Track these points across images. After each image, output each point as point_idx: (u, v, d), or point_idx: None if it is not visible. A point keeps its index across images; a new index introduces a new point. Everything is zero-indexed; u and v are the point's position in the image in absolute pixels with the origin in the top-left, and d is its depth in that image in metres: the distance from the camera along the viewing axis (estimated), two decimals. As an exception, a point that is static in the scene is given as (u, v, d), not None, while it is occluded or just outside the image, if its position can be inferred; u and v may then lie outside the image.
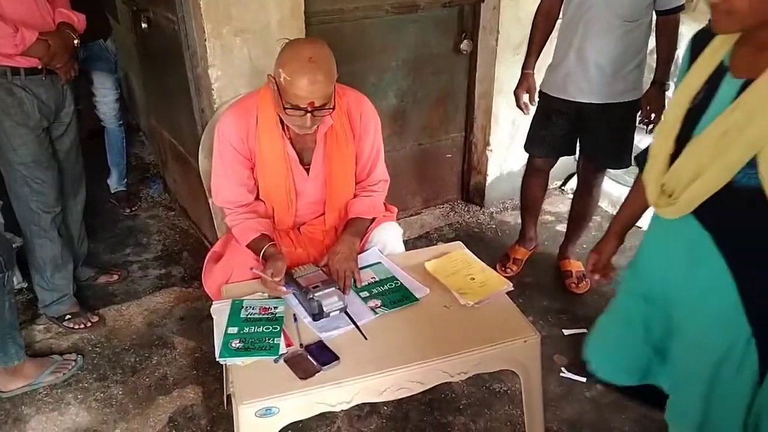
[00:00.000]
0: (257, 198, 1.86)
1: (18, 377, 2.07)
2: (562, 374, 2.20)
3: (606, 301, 2.55)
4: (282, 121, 1.73)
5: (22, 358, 2.05)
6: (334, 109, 1.69)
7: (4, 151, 2.11)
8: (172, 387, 2.15)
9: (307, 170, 1.84)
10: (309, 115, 1.61)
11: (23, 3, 1.98)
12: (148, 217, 3.28)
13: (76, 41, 2.13)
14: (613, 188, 3.24)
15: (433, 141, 3.08)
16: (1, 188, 2.26)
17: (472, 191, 3.29)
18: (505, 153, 3.17)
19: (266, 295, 1.70)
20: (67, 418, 2.03)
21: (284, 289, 1.66)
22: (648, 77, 2.33)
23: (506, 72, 2.84)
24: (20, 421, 2.01)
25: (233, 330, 1.55)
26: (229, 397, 1.86)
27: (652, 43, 2.30)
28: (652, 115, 2.29)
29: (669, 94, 2.27)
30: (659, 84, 2.28)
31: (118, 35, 3.18)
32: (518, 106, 2.47)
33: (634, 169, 2.98)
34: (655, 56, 2.30)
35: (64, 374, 2.15)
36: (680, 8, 2.20)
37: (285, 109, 1.62)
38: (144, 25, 2.72)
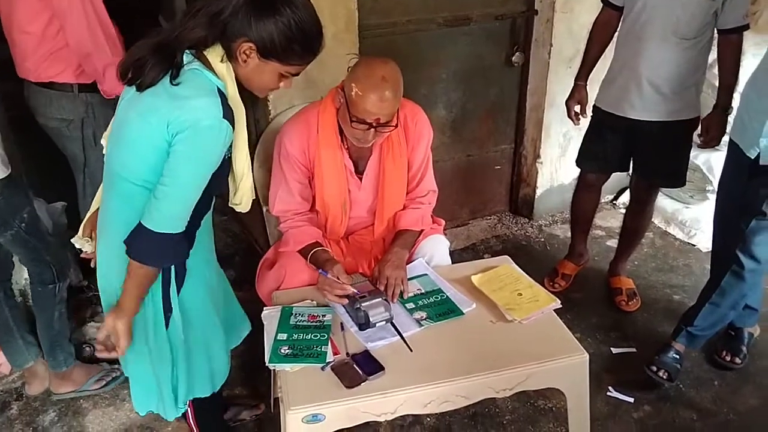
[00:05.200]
0: (311, 208, 1.91)
1: (67, 382, 2.15)
2: (609, 393, 2.15)
3: (656, 320, 2.54)
4: (341, 132, 1.78)
5: (70, 365, 2.13)
6: (396, 127, 1.74)
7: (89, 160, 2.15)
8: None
9: (360, 179, 1.88)
10: (372, 130, 1.67)
11: None
12: (201, 220, 3.37)
13: None
14: (667, 204, 3.16)
15: (481, 152, 3.07)
16: (62, 188, 2.27)
17: (521, 203, 3.27)
18: (556, 165, 3.14)
19: (314, 303, 1.74)
20: (122, 414, 2.11)
21: (351, 289, 1.67)
22: (706, 92, 2.25)
23: (558, 85, 2.81)
24: (79, 414, 2.11)
25: (283, 336, 1.60)
26: (276, 400, 1.90)
27: (712, 56, 2.19)
28: (712, 142, 2.19)
29: (731, 118, 2.14)
30: (722, 109, 2.15)
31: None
32: (569, 116, 2.43)
33: (690, 186, 2.92)
34: (715, 70, 2.20)
35: (107, 383, 2.19)
36: (743, 28, 2.07)
37: (351, 122, 1.67)
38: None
